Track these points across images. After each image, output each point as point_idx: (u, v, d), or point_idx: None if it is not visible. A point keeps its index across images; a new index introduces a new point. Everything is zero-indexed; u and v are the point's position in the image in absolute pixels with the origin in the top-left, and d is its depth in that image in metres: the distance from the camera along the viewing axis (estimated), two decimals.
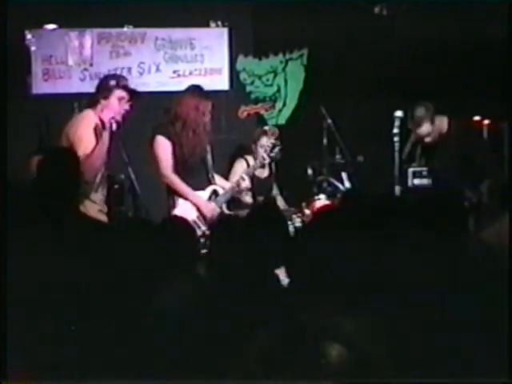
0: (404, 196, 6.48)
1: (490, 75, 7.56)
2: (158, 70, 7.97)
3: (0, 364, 3.04)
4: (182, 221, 4.02)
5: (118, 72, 7.73)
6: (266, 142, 6.85)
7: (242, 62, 8.30)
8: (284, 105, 8.44)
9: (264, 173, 7.14)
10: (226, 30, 8.04)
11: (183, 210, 5.80)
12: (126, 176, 5.88)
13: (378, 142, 7.27)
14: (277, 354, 2.50)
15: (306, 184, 7.26)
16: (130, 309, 3.18)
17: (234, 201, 6.44)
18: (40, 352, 3.12)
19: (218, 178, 6.12)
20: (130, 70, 7.87)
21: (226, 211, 5.99)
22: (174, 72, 7.99)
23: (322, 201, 6.73)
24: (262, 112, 8.38)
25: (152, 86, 7.89)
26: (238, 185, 6.10)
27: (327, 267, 3.12)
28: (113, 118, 5.44)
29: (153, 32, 7.93)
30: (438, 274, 3.21)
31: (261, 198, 7.02)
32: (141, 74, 7.91)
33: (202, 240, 5.79)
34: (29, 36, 7.64)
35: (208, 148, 5.98)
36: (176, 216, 5.31)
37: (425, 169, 6.90)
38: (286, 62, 8.41)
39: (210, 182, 5.97)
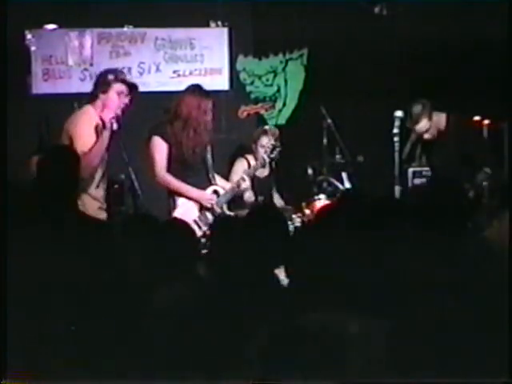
0: (404, 196, 6.49)
1: (489, 75, 7.56)
2: (157, 69, 7.97)
3: (0, 364, 3.04)
4: (183, 222, 4.02)
5: None
6: (266, 142, 6.85)
7: (241, 61, 8.30)
8: (284, 105, 8.44)
9: (264, 172, 7.14)
10: (225, 30, 8.04)
11: (184, 209, 5.81)
12: (126, 176, 5.88)
13: (378, 142, 7.27)
14: (277, 354, 2.50)
15: (305, 184, 7.26)
16: (130, 309, 3.18)
17: (234, 201, 6.44)
18: (40, 352, 3.12)
19: (218, 178, 6.12)
20: (130, 69, 7.86)
21: (227, 211, 5.99)
22: (174, 72, 7.99)
23: (322, 201, 6.74)
24: (262, 112, 8.38)
25: (152, 85, 7.89)
26: (239, 185, 6.10)
27: (327, 267, 3.12)
28: (113, 117, 5.44)
29: (153, 32, 7.92)
30: (437, 274, 3.21)
31: (261, 198, 7.02)
32: (141, 73, 7.91)
33: (203, 240, 5.81)
34: (29, 36, 7.64)
35: (208, 148, 5.98)
36: (176, 217, 5.31)
37: (425, 169, 6.91)
38: (286, 62, 8.41)
39: (210, 182, 5.97)
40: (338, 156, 7.59)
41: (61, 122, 5.78)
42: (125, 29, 7.87)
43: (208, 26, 8.03)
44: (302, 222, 6.51)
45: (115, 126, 5.41)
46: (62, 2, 7.33)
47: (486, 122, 6.91)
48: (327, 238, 3.34)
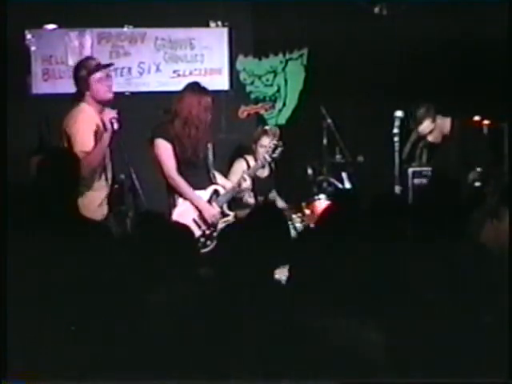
0: (404, 196, 6.49)
1: (489, 75, 7.56)
2: (158, 69, 7.97)
3: (0, 364, 3.04)
4: (182, 223, 4.02)
5: (118, 72, 7.74)
6: (267, 142, 6.85)
7: (241, 61, 8.30)
8: (284, 105, 8.43)
9: (264, 172, 7.15)
10: (225, 30, 8.04)
11: (184, 208, 5.80)
12: (126, 175, 5.87)
13: (378, 142, 7.27)
14: (276, 354, 2.50)
15: (306, 184, 7.26)
16: (129, 309, 3.18)
17: (234, 200, 6.44)
18: (40, 352, 3.12)
19: (218, 177, 6.12)
20: (129, 69, 7.86)
21: (227, 211, 5.98)
22: (174, 72, 7.99)
23: (321, 201, 6.74)
24: (262, 112, 8.38)
25: (152, 85, 7.89)
26: (239, 185, 6.10)
27: (327, 267, 3.12)
28: (113, 117, 5.44)
29: (153, 32, 7.92)
30: (438, 274, 3.21)
31: (261, 198, 7.02)
32: (141, 73, 7.91)
33: (202, 240, 5.81)
34: (29, 36, 7.64)
35: (209, 146, 5.97)
36: (176, 219, 5.32)
37: (425, 169, 6.91)
38: (286, 62, 8.41)
39: (211, 181, 5.97)
40: (338, 156, 7.59)
41: (61, 122, 5.78)
42: (125, 29, 7.87)
43: (208, 26, 8.02)
44: (302, 221, 6.52)
45: (116, 126, 5.41)
46: (61, 1, 7.33)
47: (486, 122, 6.91)
48: (327, 238, 3.35)
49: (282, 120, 8.39)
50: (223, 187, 6.02)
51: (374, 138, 7.57)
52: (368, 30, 7.95)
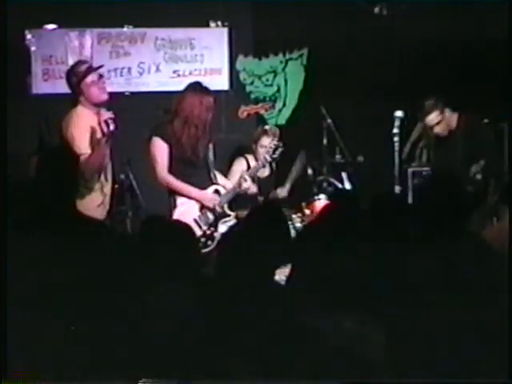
0: (404, 196, 6.48)
1: (489, 75, 7.56)
2: (157, 69, 7.97)
3: (0, 364, 3.04)
4: (183, 222, 4.02)
5: (118, 72, 7.75)
6: (267, 142, 6.85)
7: (241, 61, 8.30)
8: (284, 105, 8.44)
9: (264, 172, 7.15)
10: (225, 30, 8.04)
11: (184, 209, 5.81)
12: (125, 176, 5.88)
13: (378, 142, 7.27)
14: (277, 354, 2.50)
15: (306, 184, 7.26)
16: (129, 309, 3.18)
17: (235, 200, 6.44)
18: (40, 352, 3.12)
19: (219, 177, 6.12)
20: (129, 70, 7.87)
21: (228, 211, 5.98)
22: (174, 72, 7.99)
23: (322, 201, 6.74)
24: (262, 112, 8.38)
25: (152, 85, 7.89)
26: (240, 185, 6.10)
27: (327, 267, 3.12)
28: (109, 118, 5.44)
29: (153, 32, 7.92)
30: (437, 274, 3.21)
31: (261, 198, 7.02)
32: (141, 73, 7.91)
33: (203, 240, 5.81)
34: (29, 36, 7.64)
35: (210, 146, 5.98)
36: (177, 218, 5.31)
37: (425, 169, 6.91)
38: (286, 62, 8.41)
39: (211, 181, 5.97)
40: (338, 156, 7.59)
41: (61, 122, 5.78)
42: (125, 29, 7.87)
43: (208, 26, 8.03)
44: (302, 221, 6.52)
45: (112, 127, 5.42)
46: (62, 1, 7.33)
47: (486, 121, 6.90)
48: (327, 238, 3.35)
49: (282, 120, 8.39)
50: (224, 187, 6.02)
51: (374, 137, 7.57)
52: (368, 30, 7.95)
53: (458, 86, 7.69)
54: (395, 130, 6.66)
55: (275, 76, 8.42)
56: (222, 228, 5.82)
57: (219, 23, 8.03)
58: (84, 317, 3.18)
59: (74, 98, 5.58)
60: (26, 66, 7.64)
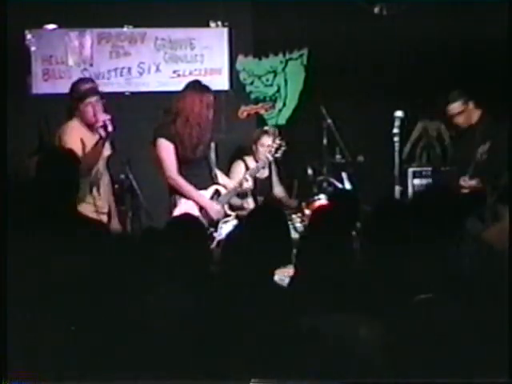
0: (404, 196, 6.49)
1: (489, 75, 7.56)
2: (157, 69, 7.97)
3: (0, 364, 3.04)
4: (186, 219, 4.01)
5: (118, 72, 7.75)
6: (268, 141, 6.85)
7: (241, 61, 8.30)
8: (284, 105, 8.43)
9: (264, 173, 7.15)
10: (225, 30, 8.04)
11: (184, 208, 5.80)
12: (125, 176, 5.87)
13: (378, 142, 7.27)
14: (276, 354, 2.50)
15: (306, 184, 7.26)
16: (129, 309, 3.18)
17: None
18: (40, 352, 3.12)
19: (220, 177, 6.12)
20: (129, 70, 7.86)
21: (228, 211, 5.98)
22: (174, 72, 7.98)
23: (322, 201, 6.74)
24: (262, 112, 8.37)
25: (152, 85, 7.89)
26: (241, 185, 6.10)
27: (327, 267, 3.12)
28: (103, 124, 5.45)
29: (153, 32, 7.92)
30: (438, 274, 3.21)
31: (261, 198, 7.02)
32: (141, 73, 7.91)
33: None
34: (29, 36, 7.64)
35: (212, 145, 5.97)
36: (179, 215, 5.30)
37: (425, 169, 6.91)
38: (286, 62, 8.41)
39: (212, 181, 5.97)
40: (338, 156, 7.59)
41: (61, 122, 5.79)
42: (125, 29, 7.87)
43: (208, 26, 8.02)
44: (302, 221, 6.51)
45: (110, 128, 5.43)
46: (61, 1, 7.33)
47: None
48: (327, 238, 3.35)
49: (282, 120, 8.38)
50: (224, 187, 6.02)
51: (374, 138, 7.56)
52: (368, 30, 7.95)
53: (457, 86, 7.68)
54: (395, 130, 6.66)
55: (275, 76, 8.41)
56: (223, 228, 5.82)
57: (219, 23, 8.03)
58: (84, 317, 3.18)
59: (70, 111, 5.64)
60: (25, 66, 7.63)
